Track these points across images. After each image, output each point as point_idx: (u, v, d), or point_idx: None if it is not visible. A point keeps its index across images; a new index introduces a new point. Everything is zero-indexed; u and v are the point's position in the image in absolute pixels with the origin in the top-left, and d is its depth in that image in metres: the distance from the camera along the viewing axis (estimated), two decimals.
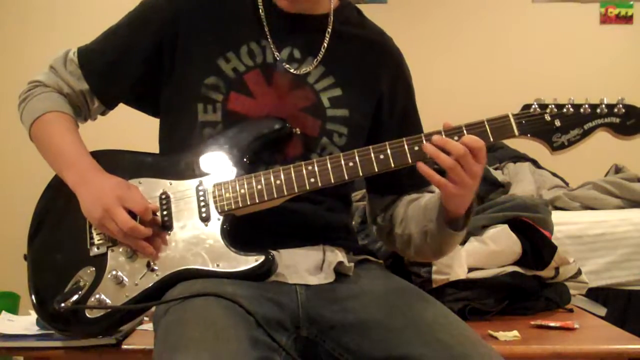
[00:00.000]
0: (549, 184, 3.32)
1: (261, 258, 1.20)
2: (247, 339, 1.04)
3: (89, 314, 1.24)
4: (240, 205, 1.23)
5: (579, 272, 1.93)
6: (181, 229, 1.24)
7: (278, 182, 1.22)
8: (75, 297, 1.24)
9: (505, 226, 1.87)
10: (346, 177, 1.21)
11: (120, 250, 1.25)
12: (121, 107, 1.44)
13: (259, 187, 1.22)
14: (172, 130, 1.37)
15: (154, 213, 1.23)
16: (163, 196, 1.27)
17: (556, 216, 2.15)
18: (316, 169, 1.22)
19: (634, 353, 1.49)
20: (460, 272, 1.79)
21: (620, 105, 1.18)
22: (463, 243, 1.84)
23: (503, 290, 1.80)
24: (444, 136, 1.18)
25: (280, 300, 1.20)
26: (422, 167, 1.17)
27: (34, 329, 1.48)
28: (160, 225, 1.24)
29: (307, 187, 1.22)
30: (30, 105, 1.36)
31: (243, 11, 1.34)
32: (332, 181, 1.22)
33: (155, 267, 1.23)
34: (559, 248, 1.85)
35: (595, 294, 2.51)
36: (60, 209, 1.33)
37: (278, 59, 1.32)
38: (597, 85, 3.52)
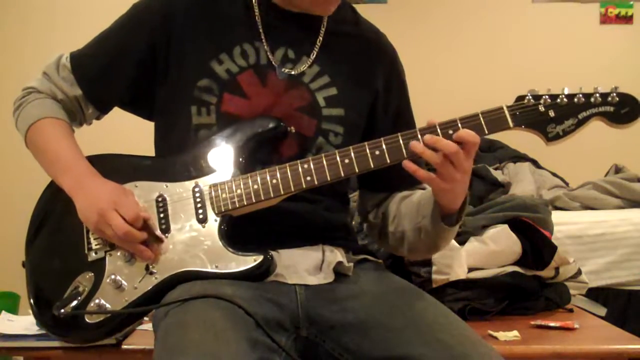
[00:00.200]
0: (549, 184, 3.33)
1: (260, 258, 1.20)
2: (246, 340, 1.04)
3: (88, 319, 1.24)
4: (237, 206, 1.22)
5: (579, 272, 1.93)
6: (178, 231, 1.24)
7: (274, 181, 1.22)
8: (75, 302, 1.24)
9: (505, 226, 1.87)
10: (342, 174, 1.21)
11: (119, 254, 1.25)
12: (116, 110, 1.44)
13: (255, 186, 1.22)
14: (167, 133, 1.36)
15: (146, 221, 1.22)
16: (159, 199, 1.26)
17: (556, 216, 2.15)
18: (312, 166, 1.22)
19: (634, 353, 1.49)
20: (460, 272, 1.79)
21: (614, 94, 1.17)
22: (463, 243, 1.84)
23: (503, 290, 1.80)
24: (438, 130, 1.17)
25: (279, 300, 1.20)
26: (408, 164, 1.17)
27: (34, 329, 1.48)
28: (157, 228, 1.24)
29: (304, 186, 1.22)
30: (24, 112, 1.36)
31: (236, 12, 1.34)
32: (329, 179, 1.21)
33: (154, 270, 1.23)
34: (559, 248, 1.85)
35: (595, 294, 2.51)
36: (57, 215, 1.33)
37: (276, 65, 1.32)
38: (597, 85, 3.51)
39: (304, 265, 1.27)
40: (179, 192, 1.26)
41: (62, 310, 1.23)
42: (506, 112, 1.18)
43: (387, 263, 1.72)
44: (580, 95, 1.17)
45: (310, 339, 1.21)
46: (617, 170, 3.40)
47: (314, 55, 1.35)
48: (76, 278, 1.26)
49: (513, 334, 1.56)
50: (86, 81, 1.36)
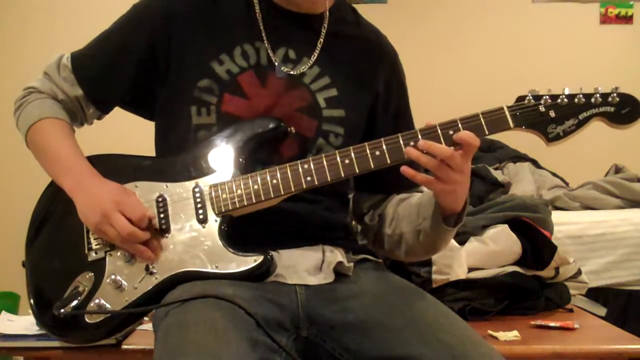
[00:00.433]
0: (549, 184, 3.33)
1: (260, 258, 1.19)
2: (247, 341, 1.04)
3: (88, 319, 1.24)
4: (237, 206, 1.22)
5: (579, 272, 1.93)
6: (179, 231, 1.24)
7: (274, 181, 1.22)
8: (75, 302, 1.24)
9: (505, 226, 1.87)
10: (342, 175, 1.21)
11: (119, 254, 1.25)
12: (117, 110, 1.44)
13: (256, 187, 1.22)
14: (167, 133, 1.36)
15: (150, 221, 1.22)
16: (160, 199, 1.26)
17: (556, 216, 2.15)
18: (312, 167, 1.21)
19: (634, 353, 1.50)
20: (460, 272, 1.79)
21: (615, 94, 1.17)
22: (463, 243, 1.84)
23: (503, 290, 1.80)
24: (439, 130, 1.17)
25: (280, 300, 1.19)
26: (406, 169, 1.16)
27: (34, 329, 1.48)
28: (157, 228, 1.24)
29: (304, 186, 1.22)
30: (25, 112, 1.36)
31: (237, 12, 1.34)
32: (329, 179, 1.21)
33: (154, 271, 1.22)
34: (559, 248, 1.85)
35: (595, 294, 2.52)
36: (58, 215, 1.33)
37: (276, 63, 1.32)
38: (597, 85, 3.51)
39: (304, 266, 1.27)
40: (179, 193, 1.26)
41: (62, 310, 1.23)
42: (506, 112, 1.17)
43: (387, 263, 1.72)
44: (581, 96, 1.17)
45: (310, 339, 1.21)
46: (617, 170, 3.41)
47: (315, 56, 1.34)
48: (76, 278, 1.26)
49: (513, 334, 1.57)
50: (87, 81, 1.36)
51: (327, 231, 1.34)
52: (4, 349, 1.49)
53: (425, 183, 1.19)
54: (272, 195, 1.22)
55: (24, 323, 1.54)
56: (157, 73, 1.34)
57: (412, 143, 1.18)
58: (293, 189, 1.22)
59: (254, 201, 1.22)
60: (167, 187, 1.27)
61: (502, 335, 1.56)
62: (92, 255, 1.27)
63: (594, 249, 2.76)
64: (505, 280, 1.81)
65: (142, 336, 1.50)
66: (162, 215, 1.25)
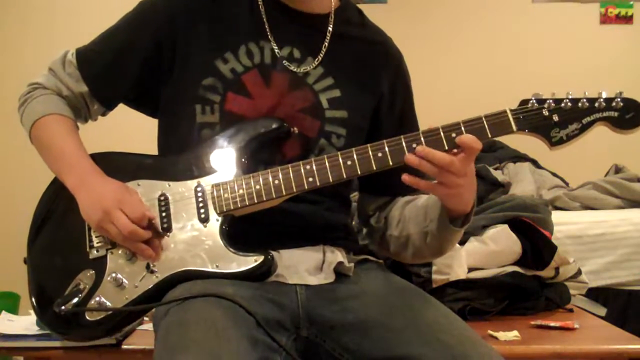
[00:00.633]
0: (549, 184, 3.33)
1: (260, 258, 1.19)
2: (247, 339, 1.04)
3: (89, 316, 1.24)
4: (239, 206, 1.22)
5: (579, 272, 1.93)
6: (180, 230, 1.24)
7: (276, 182, 1.22)
8: (76, 300, 1.24)
9: (505, 226, 1.87)
10: (344, 176, 1.21)
11: (120, 252, 1.25)
12: (120, 108, 1.44)
13: (257, 187, 1.22)
14: (170, 132, 1.37)
15: (150, 220, 1.22)
16: (162, 198, 1.26)
17: (556, 216, 2.15)
18: (314, 168, 1.21)
19: (634, 353, 1.50)
20: (460, 272, 1.79)
21: (619, 99, 1.16)
22: (463, 243, 1.84)
23: (503, 290, 1.80)
24: (442, 133, 1.17)
25: (280, 300, 1.20)
26: (408, 178, 1.16)
27: (34, 329, 1.48)
28: (159, 227, 1.24)
29: (306, 187, 1.22)
30: (29, 107, 1.36)
31: (242, 11, 1.34)
32: (331, 180, 1.21)
33: (155, 269, 1.22)
34: (559, 248, 1.85)
35: (595, 294, 2.52)
36: (60, 213, 1.33)
37: (279, 56, 1.32)
38: (597, 86, 3.50)
39: (304, 266, 1.27)
40: (181, 192, 1.26)
41: (63, 307, 1.23)
42: (510, 115, 1.17)
43: (388, 263, 1.72)
44: (585, 100, 1.16)
45: (310, 338, 1.21)
46: (617, 170, 3.41)
47: (319, 57, 1.34)
48: (77, 276, 1.26)
49: (513, 334, 1.57)
50: (92, 78, 1.36)
51: (328, 231, 1.34)
52: (4, 349, 1.49)
53: (428, 189, 1.19)
54: (274, 196, 1.22)
55: (24, 323, 1.55)
56: (162, 71, 1.34)
57: (414, 145, 1.17)
58: (295, 190, 1.22)
59: (256, 201, 1.22)
60: (169, 186, 1.27)
61: (502, 335, 1.56)
62: (94, 253, 1.27)
63: (594, 249, 2.76)
64: (505, 280, 1.81)
65: (142, 336, 1.50)
66: (163, 214, 1.25)
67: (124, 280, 1.24)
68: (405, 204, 1.38)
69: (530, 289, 1.83)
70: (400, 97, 1.42)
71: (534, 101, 1.17)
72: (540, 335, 1.61)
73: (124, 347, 1.43)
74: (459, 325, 1.18)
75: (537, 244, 1.85)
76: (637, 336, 1.57)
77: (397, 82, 1.42)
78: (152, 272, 1.23)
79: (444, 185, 1.17)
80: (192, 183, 1.26)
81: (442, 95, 3.71)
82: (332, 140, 1.32)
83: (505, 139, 3.54)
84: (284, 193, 1.22)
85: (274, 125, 1.28)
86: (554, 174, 3.43)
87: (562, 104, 1.17)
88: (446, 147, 1.16)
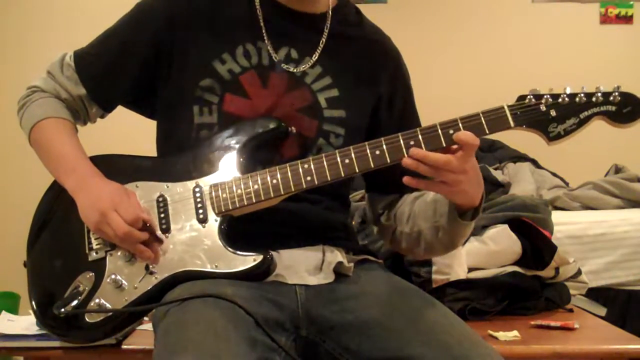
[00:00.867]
0: (549, 184, 3.33)
1: (259, 258, 1.19)
2: (246, 340, 1.04)
3: (89, 318, 1.24)
4: (237, 206, 1.22)
5: (579, 272, 1.93)
6: (179, 231, 1.24)
7: (274, 181, 1.22)
8: (75, 302, 1.24)
9: (505, 226, 1.87)
10: (343, 175, 1.21)
11: (119, 254, 1.25)
12: (118, 111, 1.44)
13: (256, 187, 1.22)
14: (169, 133, 1.37)
15: (145, 223, 1.22)
16: (160, 199, 1.26)
17: (556, 216, 2.15)
18: (312, 167, 1.21)
19: (634, 353, 1.49)
20: (460, 272, 1.79)
21: (616, 93, 1.16)
22: (463, 243, 1.84)
23: (503, 290, 1.80)
24: (439, 129, 1.17)
25: (279, 300, 1.19)
26: (408, 180, 1.15)
27: (34, 329, 1.48)
28: (157, 228, 1.24)
29: (304, 186, 1.21)
30: (29, 111, 1.36)
31: (239, 12, 1.34)
32: (329, 178, 1.21)
33: (154, 270, 1.23)
34: (559, 248, 1.85)
35: (595, 294, 2.51)
36: (59, 215, 1.33)
37: (276, 60, 1.32)
38: (597, 85, 3.51)
39: (304, 266, 1.27)
40: (180, 192, 1.26)
41: (63, 310, 1.23)
42: (507, 111, 1.17)
43: (387, 263, 1.72)
44: (582, 95, 1.16)
45: (310, 339, 1.21)
46: (617, 170, 3.40)
47: (317, 56, 1.34)
48: (77, 278, 1.26)
49: (513, 334, 1.56)
50: (90, 80, 1.36)
51: (327, 231, 1.34)
52: (4, 349, 1.49)
53: (430, 189, 1.18)
54: (272, 195, 1.22)
55: (24, 323, 1.54)
56: (160, 72, 1.34)
57: (412, 142, 1.17)
58: (293, 189, 1.22)
59: (254, 201, 1.22)
60: (167, 187, 1.27)
61: (502, 335, 1.56)
62: (93, 255, 1.27)
63: (594, 249, 2.76)
64: (505, 280, 1.81)
65: (142, 336, 1.50)
66: (162, 215, 1.25)
67: (124, 281, 1.24)
68: (414, 199, 1.38)
69: (530, 289, 1.83)
70: (399, 96, 1.42)
71: (532, 97, 1.17)
72: (540, 335, 1.60)
73: (124, 347, 1.43)
74: (459, 326, 1.17)
75: (537, 244, 1.84)
76: (637, 336, 1.57)
77: (395, 81, 1.42)
78: (151, 273, 1.23)
79: (445, 184, 1.16)
80: (190, 184, 1.26)
81: (442, 95, 3.70)
82: (330, 140, 1.32)
83: (505, 139, 3.55)
84: (283, 192, 1.22)
85: (272, 125, 1.28)
86: (554, 174, 3.43)
87: (560, 99, 1.17)
88: (444, 144, 1.16)
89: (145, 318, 1.36)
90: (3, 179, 3.71)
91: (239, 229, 1.23)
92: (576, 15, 3.96)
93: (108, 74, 1.36)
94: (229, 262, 1.20)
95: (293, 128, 1.30)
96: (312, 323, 1.21)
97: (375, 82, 1.39)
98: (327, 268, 1.28)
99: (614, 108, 1.16)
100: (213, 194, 1.24)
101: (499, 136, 3.37)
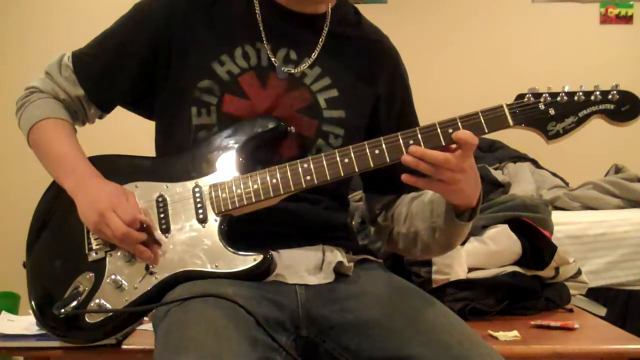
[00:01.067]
0: (549, 184, 3.33)
1: (259, 258, 1.19)
2: (247, 339, 1.04)
3: (89, 319, 1.24)
4: (237, 205, 1.22)
5: (579, 272, 1.93)
6: (179, 231, 1.24)
7: (274, 181, 1.22)
8: (75, 302, 1.24)
9: (505, 226, 1.87)
10: (342, 174, 1.21)
11: (119, 254, 1.25)
12: (117, 111, 1.44)
13: (255, 186, 1.22)
14: (167, 134, 1.37)
15: (143, 223, 1.22)
16: (160, 199, 1.26)
17: (556, 216, 2.15)
18: (312, 166, 1.21)
19: (634, 353, 1.49)
20: (460, 272, 1.79)
21: (615, 92, 1.16)
22: (463, 243, 1.84)
23: (503, 290, 1.80)
24: (438, 129, 1.17)
25: (280, 300, 1.20)
26: (407, 178, 1.16)
27: (34, 329, 1.48)
28: (157, 228, 1.24)
29: (304, 185, 1.21)
30: (27, 112, 1.36)
31: (238, 13, 1.34)
32: (329, 178, 1.21)
33: (154, 270, 1.23)
34: (559, 248, 1.85)
35: (595, 294, 2.51)
36: (59, 216, 1.34)
37: (275, 61, 1.32)
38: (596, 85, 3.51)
39: (304, 265, 1.27)
40: (179, 193, 1.26)
41: (63, 310, 1.23)
42: (506, 110, 1.17)
43: (387, 263, 1.72)
44: (581, 93, 1.16)
45: (310, 338, 1.21)
46: (617, 170, 3.40)
47: (316, 57, 1.34)
48: (77, 278, 1.26)
49: (513, 334, 1.56)
50: (88, 81, 1.36)
51: (327, 231, 1.34)
52: (4, 349, 1.49)
53: (428, 187, 1.18)
54: (272, 195, 1.22)
55: (24, 323, 1.54)
56: (159, 73, 1.34)
57: (411, 142, 1.17)
58: (292, 189, 1.22)
59: (254, 201, 1.22)
60: (167, 187, 1.27)
61: (502, 335, 1.56)
62: (93, 256, 1.27)
63: (594, 249, 2.76)
64: (505, 280, 1.81)
65: (142, 336, 1.50)
66: (162, 215, 1.25)
67: (124, 282, 1.24)
68: (411, 200, 1.38)
69: (530, 289, 1.83)
70: (398, 95, 1.42)
71: (530, 95, 1.17)
72: (540, 335, 1.60)
73: (124, 347, 1.43)
74: (459, 325, 1.18)
75: (537, 244, 1.85)
76: (637, 336, 1.57)
77: (394, 81, 1.42)
78: (151, 273, 1.23)
79: (443, 182, 1.17)
80: (190, 184, 1.26)
81: (441, 95, 3.70)
82: (329, 140, 1.32)
83: (505, 138, 3.55)
84: (282, 192, 1.22)
85: (271, 125, 1.28)
86: (554, 174, 3.43)
87: (558, 98, 1.17)
88: (443, 143, 1.16)
89: (146, 318, 1.36)
90: (3, 179, 3.71)
91: (239, 229, 1.23)
92: (576, 15, 3.96)
93: (106, 74, 1.36)
94: (229, 262, 1.20)
95: (292, 128, 1.30)
96: (312, 323, 1.21)
97: (374, 82, 1.39)
98: (327, 268, 1.28)
99: (612, 106, 1.16)
100: (213, 194, 1.24)
101: (499, 136, 3.38)
